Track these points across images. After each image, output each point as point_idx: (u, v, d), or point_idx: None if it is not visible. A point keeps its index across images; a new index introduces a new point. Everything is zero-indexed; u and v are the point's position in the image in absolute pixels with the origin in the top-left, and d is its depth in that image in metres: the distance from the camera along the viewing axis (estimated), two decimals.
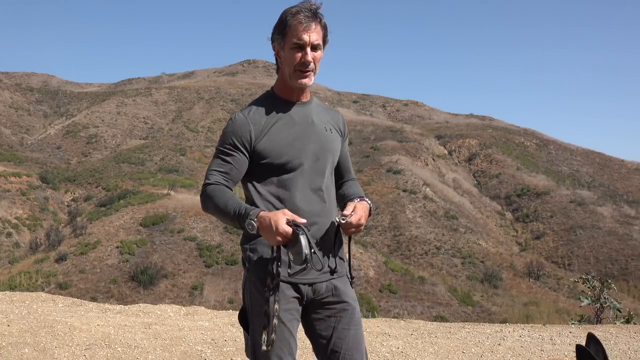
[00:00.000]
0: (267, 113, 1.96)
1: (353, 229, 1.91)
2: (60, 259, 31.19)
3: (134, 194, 42.38)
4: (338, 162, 2.09)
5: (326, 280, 1.94)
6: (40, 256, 32.99)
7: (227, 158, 1.93)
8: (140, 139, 65.04)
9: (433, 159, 59.87)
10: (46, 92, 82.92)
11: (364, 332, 2.10)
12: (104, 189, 47.14)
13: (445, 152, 63.74)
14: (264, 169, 1.93)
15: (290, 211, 1.82)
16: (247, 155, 1.93)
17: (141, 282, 28.17)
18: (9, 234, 37.76)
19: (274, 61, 2.01)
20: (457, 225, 43.50)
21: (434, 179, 53.53)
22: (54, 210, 44.12)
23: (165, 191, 42.70)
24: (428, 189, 48.55)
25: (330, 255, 1.96)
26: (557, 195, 51.46)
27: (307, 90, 2.01)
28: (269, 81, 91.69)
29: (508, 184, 55.86)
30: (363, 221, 1.91)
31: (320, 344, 1.96)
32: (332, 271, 1.96)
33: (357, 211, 1.92)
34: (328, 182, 2.00)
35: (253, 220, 1.75)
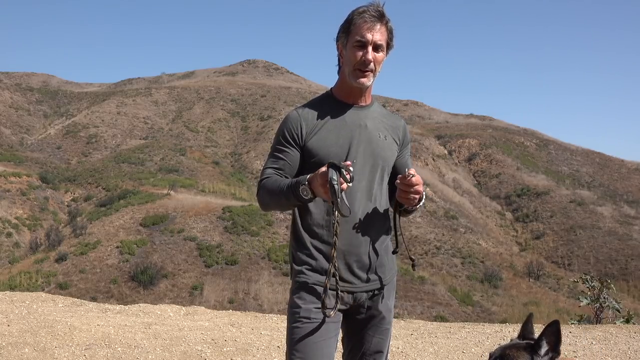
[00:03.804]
0: (321, 113, 1.95)
1: (408, 191, 1.81)
2: (60, 259, 31.16)
3: (134, 194, 42.36)
4: (396, 171, 2.03)
5: (367, 291, 1.94)
6: (40, 256, 32.97)
7: (280, 154, 1.93)
8: (140, 139, 64.99)
9: (433, 159, 59.86)
10: (46, 92, 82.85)
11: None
12: (104, 189, 47.11)
13: (445, 152, 63.71)
14: (313, 168, 1.89)
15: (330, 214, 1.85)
16: (299, 151, 1.93)
17: (141, 282, 28.16)
18: (9, 234, 37.73)
19: (336, 61, 1.98)
20: (457, 225, 43.49)
21: (434, 179, 53.52)
22: (54, 210, 44.09)
23: (165, 191, 42.67)
24: (428, 189, 48.50)
25: (374, 262, 1.94)
26: (557, 195, 51.44)
27: (366, 94, 1.98)
28: (269, 81, 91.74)
29: (508, 184, 55.84)
30: (420, 189, 1.82)
31: (346, 341, 2.03)
32: (374, 280, 1.95)
33: (419, 177, 1.81)
34: (376, 189, 1.95)
35: (305, 184, 1.74)
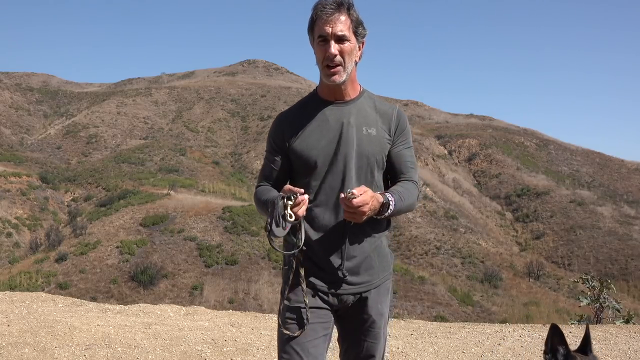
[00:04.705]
0: (305, 114, 1.92)
1: (350, 211, 1.72)
2: (60, 259, 31.15)
3: (134, 194, 42.35)
4: (390, 164, 1.94)
5: (353, 293, 1.89)
6: (40, 256, 32.95)
7: (268, 162, 1.97)
8: (140, 139, 65.00)
9: (433, 159, 59.86)
10: (46, 92, 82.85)
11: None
12: (104, 189, 47.11)
13: (445, 152, 63.72)
14: (298, 170, 1.91)
15: (315, 215, 1.86)
16: (285, 156, 1.92)
17: (141, 282, 28.15)
18: (9, 234, 37.72)
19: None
20: (457, 225, 43.48)
21: (434, 179, 53.52)
22: (54, 210, 44.08)
23: (165, 191, 42.66)
24: (428, 189, 48.53)
25: (361, 264, 1.89)
26: (557, 195, 51.44)
27: (348, 88, 1.90)
28: (269, 81, 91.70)
29: (508, 184, 55.83)
30: (365, 209, 1.71)
31: (341, 342, 2.02)
32: (360, 283, 1.89)
33: (366, 195, 1.71)
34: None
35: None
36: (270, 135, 1.96)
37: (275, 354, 4.23)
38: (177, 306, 6.02)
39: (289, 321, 1.85)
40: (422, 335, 5.09)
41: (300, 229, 1.78)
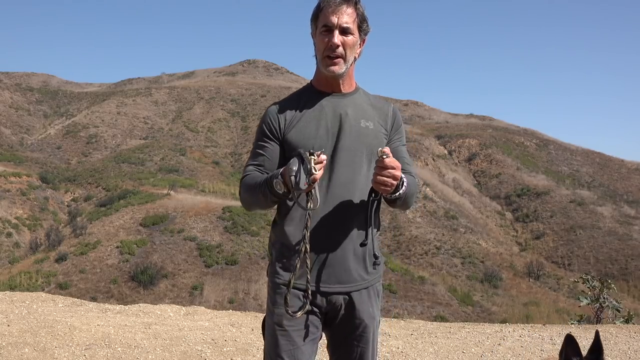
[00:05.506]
0: (300, 104, 1.88)
1: (382, 174, 1.66)
2: (60, 259, 31.15)
3: (134, 194, 42.36)
4: None
5: (342, 293, 1.82)
6: (40, 256, 32.96)
7: (260, 150, 1.88)
8: (140, 139, 65.00)
9: (433, 159, 59.84)
10: (46, 92, 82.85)
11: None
12: (104, 189, 47.12)
13: (445, 152, 63.71)
14: None
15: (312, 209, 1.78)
16: (279, 145, 1.86)
17: (141, 282, 28.15)
18: (9, 234, 37.72)
19: (313, 53, 1.89)
20: (457, 225, 43.47)
21: (434, 179, 53.50)
22: (54, 210, 44.08)
23: (165, 191, 42.67)
24: (428, 189, 48.52)
25: (353, 261, 1.82)
26: (557, 195, 51.42)
27: (345, 82, 1.87)
28: (269, 81, 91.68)
29: (508, 184, 55.82)
30: (398, 173, 1.67)
31: (330, 350, 1.95)
32: (351, 283, 1.82)
33: (395, 160, 1.68)
34: (360, 181, 1.82)
35: (278, 177, 1.70)
36: (263, 124, 1.88)
37: None
38: (177, 306, 6.01)
39: (290, 303, 1.78)
40: (422, 335, 5.08)
41: (314, 195, 1.70)
